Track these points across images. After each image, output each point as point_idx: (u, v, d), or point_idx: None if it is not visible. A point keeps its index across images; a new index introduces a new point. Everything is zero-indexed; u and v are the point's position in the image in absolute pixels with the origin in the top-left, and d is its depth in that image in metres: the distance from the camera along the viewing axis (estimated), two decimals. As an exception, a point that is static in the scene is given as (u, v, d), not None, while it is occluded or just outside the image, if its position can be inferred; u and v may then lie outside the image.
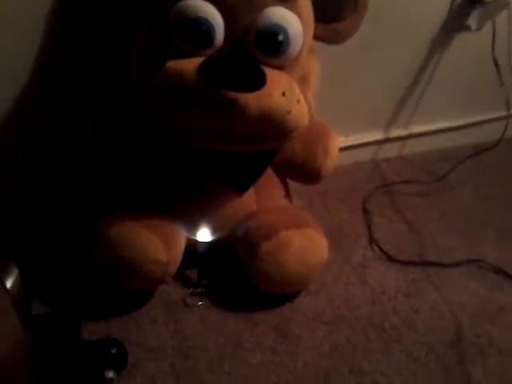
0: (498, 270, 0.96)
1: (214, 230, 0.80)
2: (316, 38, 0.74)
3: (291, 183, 0.90)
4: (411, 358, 0.79)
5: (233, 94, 0.59)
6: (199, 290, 0.83)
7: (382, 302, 0.88)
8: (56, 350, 0.64)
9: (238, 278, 0.83)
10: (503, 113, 1.09)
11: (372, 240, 1.00)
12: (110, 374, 0.64)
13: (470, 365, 0.79)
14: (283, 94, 0.63)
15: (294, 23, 0.65)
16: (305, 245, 0.79)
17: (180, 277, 0.84)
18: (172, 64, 0.62)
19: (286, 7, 0.64)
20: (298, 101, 0.66)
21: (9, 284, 0.61)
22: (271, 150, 0.75)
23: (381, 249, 0.98)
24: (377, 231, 1.02)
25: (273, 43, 0.63)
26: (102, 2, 0.74)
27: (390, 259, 0.96)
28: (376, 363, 0.78)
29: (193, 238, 0.79)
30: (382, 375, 0.76)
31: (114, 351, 0.66)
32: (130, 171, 0.81)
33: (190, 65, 0.61)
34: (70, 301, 0.80)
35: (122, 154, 0.78)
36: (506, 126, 1.09)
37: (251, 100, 0.60)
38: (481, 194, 1.16)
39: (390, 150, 1.20)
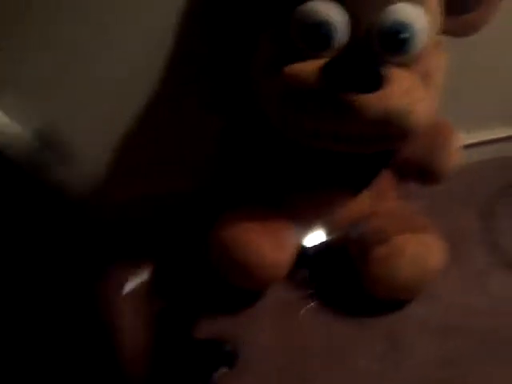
0: None
1: (327, 231, 0.79)
2: (445, 31, 0.69)
3: (409, 183, 0.86)
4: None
5: (354, 96, 0.57)
6: (310, 291, 0.83)
7: (503, 313, 0.82)
8: (173, 346, 0.67)
9: (350, 281, 0.82)
10: None
11: (495, 246, 0.93)
12: (223, 370, 0.66)
13: None
14: (406, 94, 0.60)
15: (420, 20, 0.61)
16: (419, 251, 0.75)
17: (291, 278, 0.84)
18: (293, 67, 0.61)
19: (412, 2, 0.60)
20: (421, 100, 0.62)
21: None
22: (390, 150, 0.72)
23: (505, 255, 0.91)
24: (501, 236, 0.94)
25: (397, 42, 0.60)
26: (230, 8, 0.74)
27: (512, 268, 0.89)
28: (489, 377, 0.73)
29: (306, 239, 0.79)
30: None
31: (227, 349, 0.67)
32: (250, 170, 0.82)
33: (310, 67, 0.60)
34: (187, 298, 0.83)
35: (245, 153, 0.79)
36: None
37: (373, 101, 0.58)
38: None
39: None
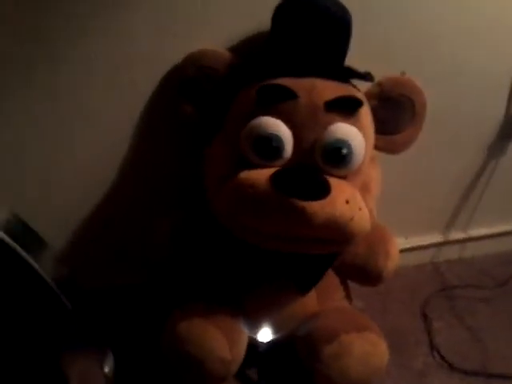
0: None
1: (275, 329, 0.81)
2: (376, 148, 0.79)
3: (351, 284, 0.91)
4: None
5: (302, 203, 0.63)
6: (259, 389, 0.83)
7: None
8: None
9: (298, 379, 0.83)
10: None
11: (433, 346, 0.97)
12: None
13: None
14: (346, 202, 0.67)
15: (357, 137, 0.70)
16: (366, 349, 0.78)
17: (240, 376, 0.84)
18: (244, 175, 0.67)
19: (349, 123, 0.69)
20: (360, 208, 0.69)
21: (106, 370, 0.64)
22: (334, 252, 0.78)
23: (442, 356, 0.95)
24: (437, 337, 0.99)
25: (337, 156, 0.68)
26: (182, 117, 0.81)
27: (452, 368, 0.93)
28: None
29: (254, 336, 0.81)
30: None
31: None
32: (200, 267, 0.84)
33: (261, 176, 0.66)
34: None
35: (196, 251, 0.82)
36: None
37: (317, 208, 0.64)
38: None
39: (450, 253, 1.20)
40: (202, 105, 0.78)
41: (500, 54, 0.95)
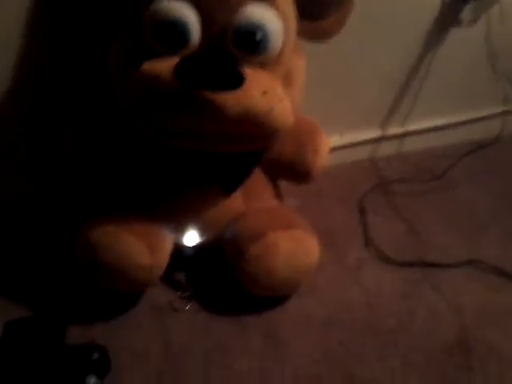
0: (500, 271, 0.93)
1: (201, 233, 0.79)
2: (300, 35, 0.72)
3: (285, 183, 0.88)
4: (407, 364, 0.76)
5: (210, 95, 0.58)
6: (187, 293, 0.82)
7: (378, 304, 0.86)
8: (39, 354, 0.63)
9: (227, 281, 0.82)
10: (500, 109, 1.06)
11: (368, 240, 0.97)
12: (92, 380, 0.62)
13: (470, 371, 0.76)
14: (264, 93, 0.62)
15: (273, 21, 0.63)
16: (293, 247, 0.77)
17: (168, 280, 0.83)
18: (147, 65, 0.61)
19: (265, 5, 0.62)
20: (280, 99, 0.64)
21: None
22: (259, 150, 0.74)
23: (377, 250, 0.95)
24: (373, 231, 0.99)
25: (251, 42, 0.62)
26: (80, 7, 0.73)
27: (387, 260, 0.94)
28: (370, 369, 0.76)
29: (180, 240, 0.78)
30: (376, 381, 0.74)
31: (95, 357, 0.64)
32: (114, 174, 0.80)
33: (165, 65, 0.59)
34: (55, 304, 0.79)
35: (106, 157, 0.77)
36: (505, 122, 1.06)
37: (230, 100, 0.59)
38: (481, 192, 1.12)
39: (387, 148, 1.18)
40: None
41: None
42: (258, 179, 0.81)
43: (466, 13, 0.99)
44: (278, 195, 0.87)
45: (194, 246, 0.80)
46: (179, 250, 0.79)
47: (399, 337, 0.80)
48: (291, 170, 0.81)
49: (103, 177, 0.81)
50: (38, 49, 0.77)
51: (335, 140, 1.07)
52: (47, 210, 0.92)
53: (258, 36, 0.61)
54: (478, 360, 0.78)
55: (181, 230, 0.78)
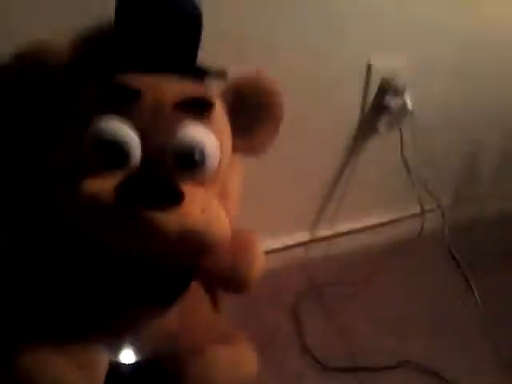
0: (429, 371, 0.96)
1: (138, 350, 0.75)
2: (235, 150, 0.74)
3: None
4: None
5: (149, 213, 0.58)
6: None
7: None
8: None
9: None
10: (418, 209, 1.14)
11: (304, 348, 0.97)
12: None
13: None
14: (202, 211, 0.62)
15: (210, 140, 0.65)
16: (233, 359, 0.76)
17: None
18: (86, 184, 0.59)
19: (201, 125, 0.64)
20: (217, 215, 0.65)
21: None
22: (194, 264, 0.73)
23: (313, 357, 0.95)
24: (308, 338, 1.00)
25: (190, 162, 0.63)
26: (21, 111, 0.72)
27: (323, 367, 0.94)
28: None
29: (116, 358, 0.74)
30: None
31: None
32: (45, 288, 0.75)
33: (104, 184, 0.59)
34: None
35: (37, 266, 0.74)
36: (424, 221, 1.13)
37: (169, 218, 0.59)
38: (407, 291, 1.17)
39: (317, 250, 1.21)
40: (36, 109, 0.68)
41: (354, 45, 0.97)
42: (194, 292, 0.79)
43: (382, 123, 1.08)
44: (215, 305, 0.86)
45: (132, 364, 0.76)
46: (116, 368, 0.75)
47: None
48: (227, 283, 0.80)
49: (34, 289, 0.76)
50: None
51: (267, 244, 1.08)
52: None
53: (197, 156, 0.63)
54: None
55: (117, 347, 0.74)
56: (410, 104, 1.06)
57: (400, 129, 1.09)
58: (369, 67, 1.01)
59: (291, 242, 1.16)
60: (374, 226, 1.28)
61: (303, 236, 1.18)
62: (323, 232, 1.20)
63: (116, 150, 0.61)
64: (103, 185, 0.59)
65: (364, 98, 1.05)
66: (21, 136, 0.74)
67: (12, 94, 0.68)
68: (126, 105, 0.62)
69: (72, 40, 0.70)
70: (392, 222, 1.30)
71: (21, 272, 0.74)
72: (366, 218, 1.26)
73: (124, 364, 0.76)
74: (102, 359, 0.73)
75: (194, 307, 0.80)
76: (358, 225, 1.25)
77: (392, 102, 1.05)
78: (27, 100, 0.68)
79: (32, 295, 0.76)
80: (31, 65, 0.66)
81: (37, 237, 0.74)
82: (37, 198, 0.73)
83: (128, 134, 0.61)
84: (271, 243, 1.12)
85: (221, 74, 0.71)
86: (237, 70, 0.73)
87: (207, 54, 0.69)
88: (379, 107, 1.06)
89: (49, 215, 0.68)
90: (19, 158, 0.77)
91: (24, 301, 0.77)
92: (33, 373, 0.65)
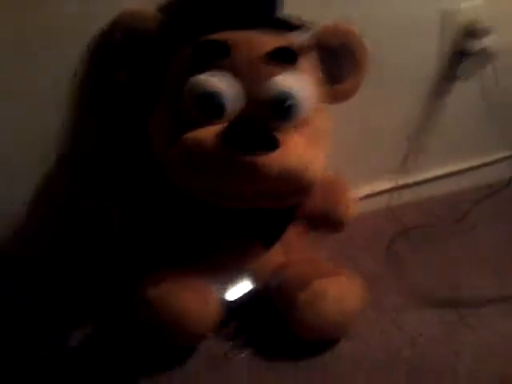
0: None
1: (249, 283, 0.83)
2: (322, 98, 0.78)
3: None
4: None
5: (253, 158, 0.64)
6: (240, 342, 0.85)
7: (422, 346, 0.87)
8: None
9: (277, 328, 0.84)
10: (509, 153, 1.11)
11: (401, 286, 1.00)
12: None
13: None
14: (299, 153, 0.68)
15: (299, 87, 0.70)
16: (340, 291, 0.81)
17: (220, 331, 0.85)
18: (191, 134, 0.67)
19: (290, 73, 0.69)
20: (312, 158, 0.71)
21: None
22: (293, 205, 0.80)
23: (411, 293, 0.97)
24: (404, 277, 1.02)
25: (283, 109, 0.68)
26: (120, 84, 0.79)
27: (423, 304, 0.96)
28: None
29: (227, 293, 0.82)
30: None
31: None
32: (161, 236, 0.85)
33: (207, 134, 0.66)
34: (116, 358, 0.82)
35: (152, 223, 0.83)
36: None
37: (271, 161, 0.65)
38: (501, 231, 1.15)
39: (404, 197, 1.21)
40: (137, 70, 0.75)
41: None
42: (294, 231, 0.86)
43: (462, 69, 1.06)
44: (313, 246, 0.92)
45: (240, 298, 0.83)
46: (230, 301, 0.83)
47: (445, 377, 0.82)
48: (325, 221, 0.87)
49: (151, 239, 0.86)
50: (81, 126, 0.82)
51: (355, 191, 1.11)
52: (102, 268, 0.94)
53: (289, 102, 0.68)
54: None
55: (229, 282, 0.82)
56: (491, 48, 1.02)
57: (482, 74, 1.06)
58: (446, 11, 0.99)
59: (378, 189, 1.18)
60: (461, 171, 1.26)
61: (390, 183, 1.19)
62: (409, 178, 1.20)
63: (213, 102, 0.67)
64: (207, 133, 0.66)
65: (442, 43, 1.03)
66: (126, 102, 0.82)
67: (116, 57, 0.75)
68: (220, 59, 0.68)
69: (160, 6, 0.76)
70: (480, 166, 1.27)
71: (139, 227, 0.84)
72: (453, 164, 1.25)
73: (234, 299, 0.84)
74: (218, 293, 0.81)
75: (295, 246, 0.88)
76: (444, 170, 1.24)
77: (473, 46, 1.02)
78: (128, 63, 0.75)
79: (151, 241, 0.86)
80: (127, 28, 0.72)
81: (146, 196, 0.83)
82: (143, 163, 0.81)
83: (222, 85, 0.67)
84: (358, 191, 1.14)
85: (303, 26, 0.75)
86: (321, 20, 0.76)
87: (292, 7, 0.73)
88: (460, 52, 1.04)
89: (154, 175, 0.76)
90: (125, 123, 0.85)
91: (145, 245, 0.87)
92: (160, 303, 0.75)
